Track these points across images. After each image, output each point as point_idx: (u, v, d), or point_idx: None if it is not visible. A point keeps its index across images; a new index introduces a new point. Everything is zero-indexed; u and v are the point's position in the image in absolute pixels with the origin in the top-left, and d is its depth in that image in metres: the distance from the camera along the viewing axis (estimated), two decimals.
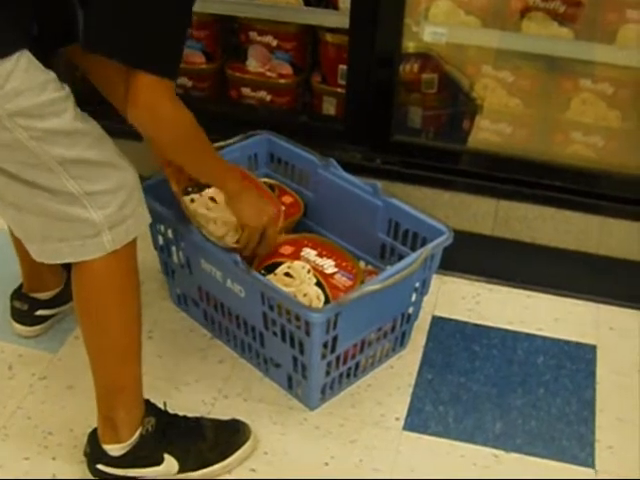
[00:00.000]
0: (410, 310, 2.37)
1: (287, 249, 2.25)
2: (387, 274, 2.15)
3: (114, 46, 1.70)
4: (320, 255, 2.24)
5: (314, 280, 2.17)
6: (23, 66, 1.64)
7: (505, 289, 2.68)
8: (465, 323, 2.56)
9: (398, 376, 2.38)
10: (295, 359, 2.20)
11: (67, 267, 2.43)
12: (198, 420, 2.13)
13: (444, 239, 2.27)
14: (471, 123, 2.86)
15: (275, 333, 2.20)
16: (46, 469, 2.11)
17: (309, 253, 2.24)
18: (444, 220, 2.33)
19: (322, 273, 2.19)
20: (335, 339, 2.14)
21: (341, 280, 2.18)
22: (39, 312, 2.44)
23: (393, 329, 2.34)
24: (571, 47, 2.64)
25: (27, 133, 1.66)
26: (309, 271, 2.19)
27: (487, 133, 2.83)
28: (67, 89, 1.73)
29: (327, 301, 2.13)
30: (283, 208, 2.40)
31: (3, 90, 1.61)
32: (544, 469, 2.15)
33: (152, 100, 1.73)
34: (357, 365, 2.31)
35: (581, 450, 2.20)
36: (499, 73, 2.78)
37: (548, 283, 2.67)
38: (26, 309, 2.43)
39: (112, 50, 1.71)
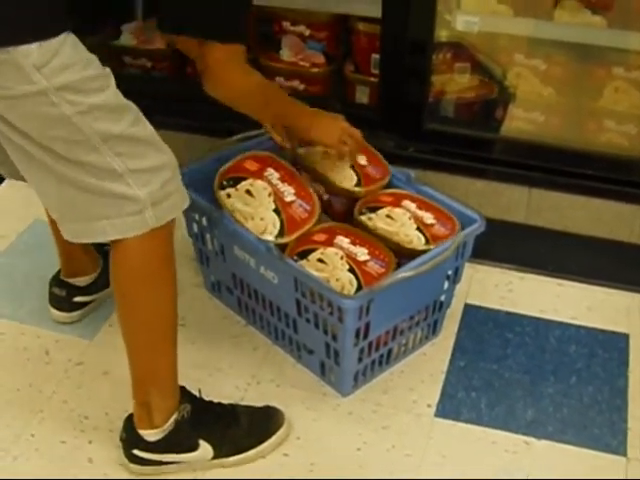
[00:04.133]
0: (442, 298, 2.38)
1: (321, 236, 2.25)
2: (419, 261, 2.16)
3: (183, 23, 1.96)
4: (353, 243, 2.24)
5: (347, 266, 2.18)
6: (70, 42, 1.67)
7: (538, 277, 2.68)
8: (498, 311, 2.56)
9: (430, 363, 2.39)
10: (328, 345, 2.21)
11: (103, 253, 2.48)
12: (233, 407, 2.16)
13: (476, 227, 2.28)
14: (504, 112, 2.86)
15: (308, 320, 2.22)
16: (82, 453, 2.14)
17: (342, 241, 2.25)
18: (477, 208, 2.34)
19: (355, 260, 2.20)
20: (368, 326, 2.15)
21: (374, 267, 2.19)
22: (77, 298, 2.47)
23: (425, 317, 2.35)
24: (604, 35, 2.63)
25: (73, 108, 1.67)
26: (342, 258, 2.20)
27: (520, 122, 2.83)
28: (108, 69, 1.76)
29: (359, 287, 2.14)
30: (327, 197, 2.42)
31: (51, 64, 1.63)
32: (575, 456, 2.15)
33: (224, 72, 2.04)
34: (389, 352, 2.32)
35: (613, 438, 2.20)
36: (532, 61, 2.77)
37: (581, 271, 2.66)
38: (64, 295, 2.46)
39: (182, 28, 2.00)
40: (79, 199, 1.78)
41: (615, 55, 2.69)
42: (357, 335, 2.16)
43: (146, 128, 1.81)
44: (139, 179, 1.77)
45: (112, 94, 1.74)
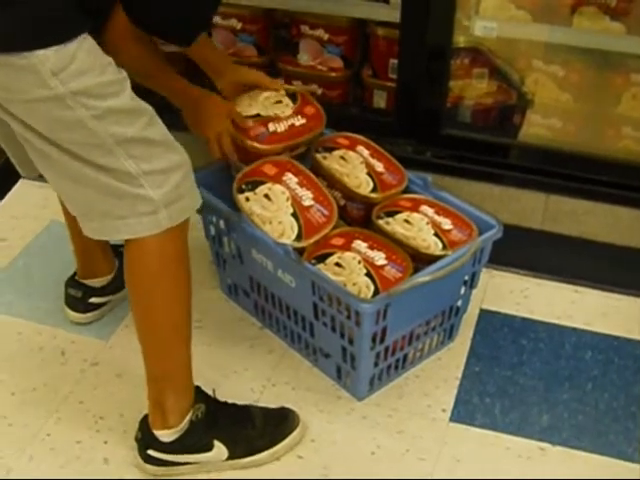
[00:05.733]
0: (459, 303, 2.39)
1: (338, 240, 2.26)
2: (437, 266, 2.17)
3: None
4: (371, 247, 2.25)
5: (364, 271, 2.18)
6: (86, 48, 1.70)
7: (553, 283, 2.68)
8: (513, 317, 2.56)
9: (445, 368, 2.39)
10: (344, 349, 2.22)
11: (119, 255, 2.49)
12: (247, 407, 2.16)
13: (494, 232, 2.28)
14: (521, 117, 2.86)
15: (325, 323, 2.22)
16: (97, 452, 2.16)
17: (360, 245, 2.25)
18: (493, 214, 2.34)
19: (372, 264, 2.20)
20: (384, 330, 2.16)
21: (391, 272, 2.19)
22: (92, 299, 2.48)
23: (442, 322, 2.36)
24: (622, 42, 2.62)
25: (88, 112, 1.70)
26: (359, 262, 2.20)
27: (537, 128, 2.83)
28: (124, 73, 1.78)
29: (376, 292, 2.15)
30: (343, 203, 2.41)
31: (68, 70, 1.66)
32: (590, 463, 2.16)
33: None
34: (405, 357, 2.33)
35: (628, 445, 2.20)
36: (550, 68, 2.77)
37: (596, 278, 2.66)
38: (80, 296, 2.47)
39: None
40: (95, 199, 1.81)
41: (633, 62, 2.68)
42: (374, 339, 2.16)
43: (159, 130, 1.84)
44: (153, 181, 1.80)
45: (127, 97, 1.77)
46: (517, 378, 2.37)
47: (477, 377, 2.37)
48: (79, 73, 1.68)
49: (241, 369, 2.37)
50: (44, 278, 2.64)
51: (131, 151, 1.77)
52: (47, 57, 1.64)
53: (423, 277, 2.12)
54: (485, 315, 2.56)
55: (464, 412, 2.27)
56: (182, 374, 2.04)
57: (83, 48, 1.69)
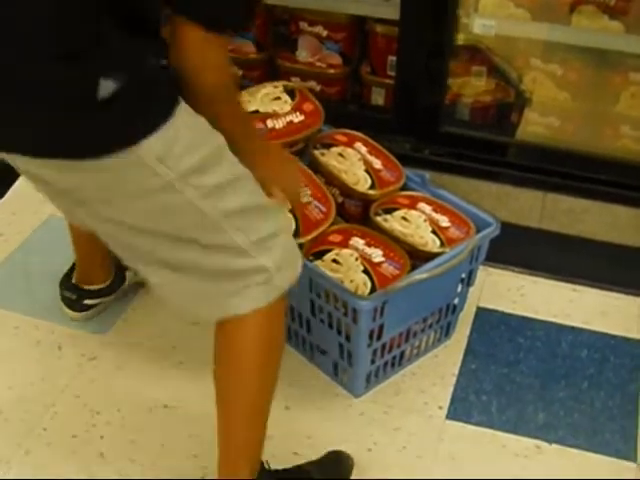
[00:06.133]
0: (456, 301, 2.39)
1: (336, 237, 2.26)
2: (434, 264, 2.17)
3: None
4: (368, 244, 2.25)
5: (361, 268, 2.19)
6: (185, 119, 1.54)
7: (550, 282, 2.67)
8: (510, 315, 2.56)
9: (442, 365, 2.39)
10: (341, 346, 2.22)
11: (116, 261, 2.48)
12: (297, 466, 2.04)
13: (491, 230, 2.28)
14: (519, 116, 2.87)
15: (322, 320, 2.22)
16: (94, 447, 2.16)
17: (358, 242, 2.25)
18: (491, 212, 2.34)
19: (370, 261, 2.20)
20: (381, 327, 2.16)
21: (388, 269, 2.19)
22: (86, 301, 2.47)
23: (438, 319, 2.36)
24: (621, 41, 2.63)
25: (197, 191, 1.55)
26: (357, 259, 2.21)
27: (535, 126, 2.83)
28: (218, 134, 1.61)
29: (374, 289, 2.15)
30: (341, 200, 2.41)
31: (173, 152, 1.50)
32: (586, 461, 2.16)
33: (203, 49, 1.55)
34: (402, 354, 2.33)
35: (624, 444, 2.20)
36: (548, 66, 2.78)
37: (594, 277, 2.66)
38: (74, 298, 2.47)
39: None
40: (202, 284, 1.68)
41: (632, 61, 2.69)
42: (371, 336, 2.16)
43: (258, 192, 1.70)
44: (264, 248, 1.67)
45: (228, 163, 1.62)
46: (513, 376, 2.37)
47: (473, 375, 2.38)
48: (184, 153, 1.52)
49: None
50: (42, 273, 2.64)
51: (238, 223, 1.62)
52: (151, 145, 1.47)
53: (420, 274, 2.12)
54: (482, 313, 2.56)
55: (460, 409, 2.28)
56: (260, 448, 1.86)
57: (183, 120, 1.52)
